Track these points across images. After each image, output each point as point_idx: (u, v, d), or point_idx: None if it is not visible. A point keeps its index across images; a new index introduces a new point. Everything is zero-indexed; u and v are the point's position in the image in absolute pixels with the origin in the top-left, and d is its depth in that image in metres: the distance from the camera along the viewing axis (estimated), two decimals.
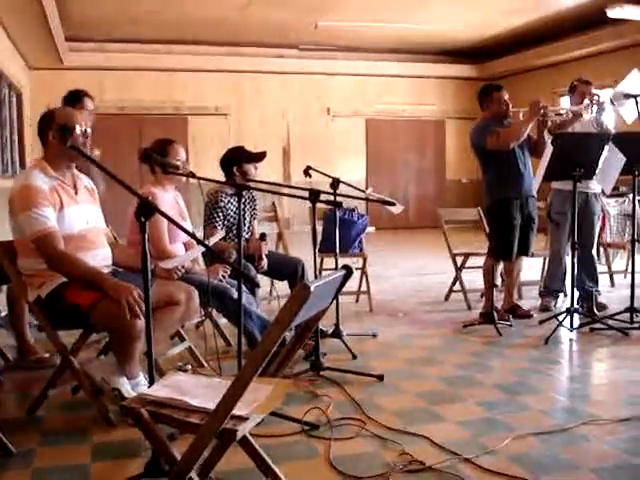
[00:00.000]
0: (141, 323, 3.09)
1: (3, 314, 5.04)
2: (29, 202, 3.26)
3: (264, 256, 4.82)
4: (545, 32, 12.77)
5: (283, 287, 5.34)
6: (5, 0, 8.82)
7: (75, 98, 5.37)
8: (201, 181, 3.48)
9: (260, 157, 4.88)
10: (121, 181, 2.67)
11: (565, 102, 12.13)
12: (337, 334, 4.76)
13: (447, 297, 6.62)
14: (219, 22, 12.34)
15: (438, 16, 12.02)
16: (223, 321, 4.74)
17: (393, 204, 4.69)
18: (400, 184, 16.07)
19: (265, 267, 4.82)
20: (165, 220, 4.12)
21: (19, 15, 9.52)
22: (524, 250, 5.61)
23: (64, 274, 3.29)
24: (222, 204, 4.84)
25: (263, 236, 4.80)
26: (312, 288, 1.87)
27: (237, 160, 4.90)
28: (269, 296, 6.02)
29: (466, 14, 11.87)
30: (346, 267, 2.34)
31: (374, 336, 5.18)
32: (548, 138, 5.43)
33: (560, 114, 5.74)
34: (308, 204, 4.06)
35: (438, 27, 12.79)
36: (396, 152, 16.12)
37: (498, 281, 5.86)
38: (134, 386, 3.32)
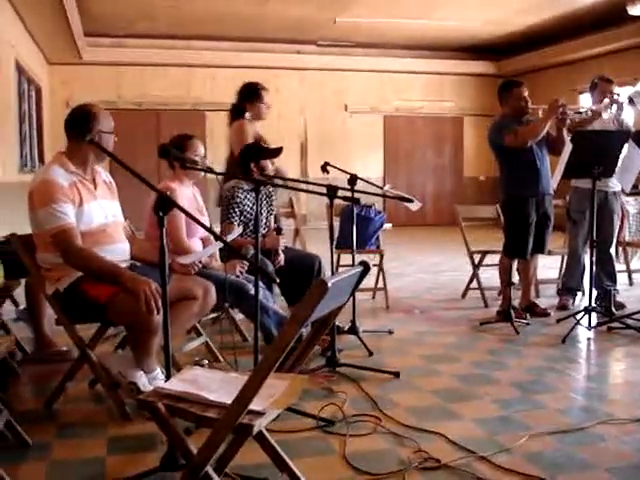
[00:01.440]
0: (158, 317, 3.10)
1: (22, 307, 5.08)
2: (48, 198, 3.29)
3: (280, 251, 4.82)
4: (564, 29, 12.67)
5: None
6: None
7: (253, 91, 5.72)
8: (219, 177, 3.49)
9: (276, 153, 4.88)
10: (140, 176, 2.68)
11: (584, 100, 12.06)
12: (353, 330, 4.76)
13: (464, 294, 6.60)
14: (237, 18, 12.35)
15: (456, 13, 11.96)
16: (239, 316, 4.75)
17: (411, 201, 4.68)
18: (417, 181, 16.02)
19: (282, 262, 4.82)
20: (183, 215, 4.14)
21: (39, 11, 9.58)
22: (539, 248, 5.58)
23: (81, 270, 3.31)
24: (238, 199, 4.85)
25: (279, 230, 4.80)
26: (329, 284, 1.87)
27: (254, 156, 4.90)
28: None
29: (484, 11, 11.80)
30: (363, 263, 2.33)
31: (390, 333, 5.17)
32: (567, 136, 5.39)
33: (579, 113, 5.70)
34: (325, 200, 4.06)
35: (456, 24, 12.73)
36: (414, 149, 16.08)
37: (515, 279, 5.84)
38: (151, 380, 3.34)
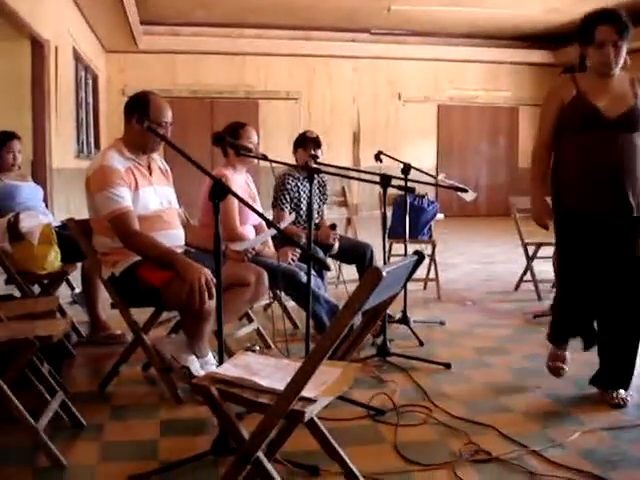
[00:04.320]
0: (211, 303, 3.13)
1: (77, 291, 5.18)
2: (105, 182, 3.33)
3: (335, 246, 4.86)
4: None
5: (350, 272, 5.34)
6: None
7: None
8: (272, 164, 3.50)
9: (317, 141, 4.91)
10: (196, 162, 2.71)
11: None
12: (404, 321, 4.73)
13: (517, 287, 6.51)
14: (291, 6, 12.36)
15: (514, 0, 11.76)
16: (291, 304, 4.77)
17: (466, 191, 4.63)
18: (471, 171, 15.86)
19: (335, 250, 4.87)
20: (236, 202, 4.17)
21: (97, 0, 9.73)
22: None
23: (138, 252, 3.36)
24: (289, 186, 4.88)
25: (333, 226, 4.83)
26: (384, 273, 1.86)
27: (303, 144, 4.93)
28: (336, 280, 6.03)
29: None
30: (418, 253, 2.31)
31: (442, 324, 5.14)
32: None
33: None
34: (377, 189, 4.05)
35: (513, 12, 12.52)
36: (468, 139, 15.92)
37: None
38: (203, 364, 3.37)
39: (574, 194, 3.43)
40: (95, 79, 12.82)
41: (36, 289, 4.59)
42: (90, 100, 12.35)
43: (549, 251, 5.87)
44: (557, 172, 3.51)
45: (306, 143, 4.92)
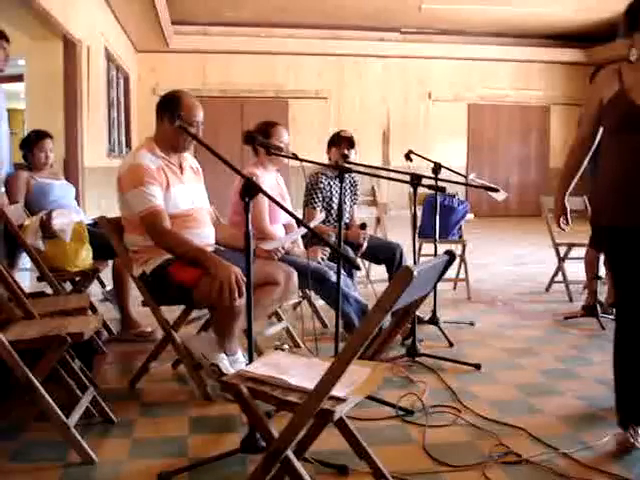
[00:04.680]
0: (241, 301, 3.14)
1: (108, 288, 5.22)
2: (137, 180, 3.36)
3: (364, 246, 4.85)
4: None
5: (380, 272, 5.33)
6: None
7: None
8: (302, 163, 3.50)
9: (351, 141, 4.91)
10: (227, 161, 2.72)
11: None
12: (434, 321, 4.71)
13: (548, 288, 6.45)
14: (320, 5, 12.37)
15: None
16: (320, 303, 4.77)
17: (497, 190, 4.59)
18: (501, 171, 15.75)
19: (363, 249, 4.87)
20: (266, 201, 4.18)
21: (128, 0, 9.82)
22: None
23: (169, 251, 3.38)
24: (322, 185, 4.89)
25: (364, 226, 4.82)
26: (415, 272, 1.85)
27: (338, 143, 4.94)
28: (365, 280, 6.03)
29: None
30: (449, 253, 2.30)
31: (471, 324, 5.11)
32: None
33: None
34: (407, 189, 4.03)
35: (545, 10, 12.41)
36: (498, 138, 15.81)
37: (602, 273, 5.67)
38: (232, 362, 3.38)
39: (614, 204, 2.95)
40: (126, 79, 12.93)
41: (68, 286, 4.64)
42: (121, 99, 12.45)
43: (581, 252, 5.81)
44: (596, 177, 3.08)
45: (341, 142, 4.92)
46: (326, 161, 5.03)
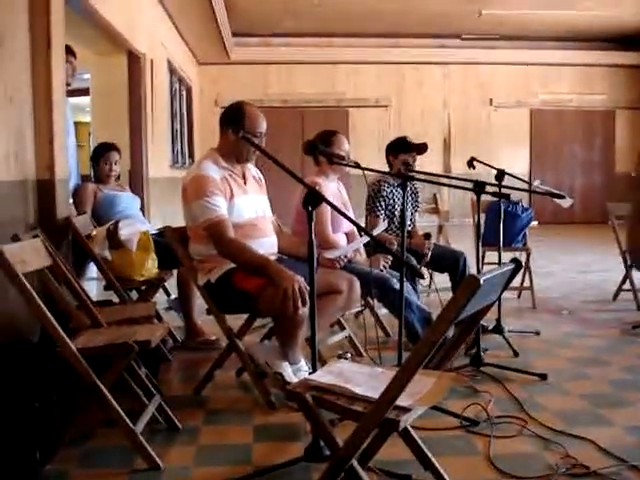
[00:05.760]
0: (305, 310, 3.15)
1: (173, 297, 5.30)
2: (202, 191, 3.41)
3: (427, 256, 4.82)
4: None
5: (442, 280, 5.28)
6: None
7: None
8: (365, 172, 3.50)
9: (421, 148, 4.84)
10: (291, 171, 2.74)
11: None
12: (498, 330, 4.64)
13: (615, 296, 6.29)
14: (380, 13, 12.37)
15: (607, 2, 11.43)
16: (383, 311, 4.76)
17: (562, 197, 4.51)
18: (565, 177, 15.46)
19: (427, 259, 4.84)
20: (329, 210, 4.19)
21: (189, 12, 10.01)
22: None
23: (233, 260, 3.41)
24: (385, 193, 4.88)
25: (428, 235, 4.80)
26: (482, 281, 1.83)
27: (398, 150, 4.91)
28: (428, 289, 5.98)
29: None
30: (515, 261, 2.27)
31: (537, 334, 5.01)
32: None
33: None
34: (469, 196, 3.99)
35: (606, 13, 12.16)
36: (562, 143, 15.53)
37: None
38: (295, 371, 3.39)
39: None
40: (189, 90, 13.13)
41: (134, 295, 4.72)
42: (184, 111, 12.65)
43: None
44: None
45: (411, 149, 4.85)
46: (386, 167, 5.01)
